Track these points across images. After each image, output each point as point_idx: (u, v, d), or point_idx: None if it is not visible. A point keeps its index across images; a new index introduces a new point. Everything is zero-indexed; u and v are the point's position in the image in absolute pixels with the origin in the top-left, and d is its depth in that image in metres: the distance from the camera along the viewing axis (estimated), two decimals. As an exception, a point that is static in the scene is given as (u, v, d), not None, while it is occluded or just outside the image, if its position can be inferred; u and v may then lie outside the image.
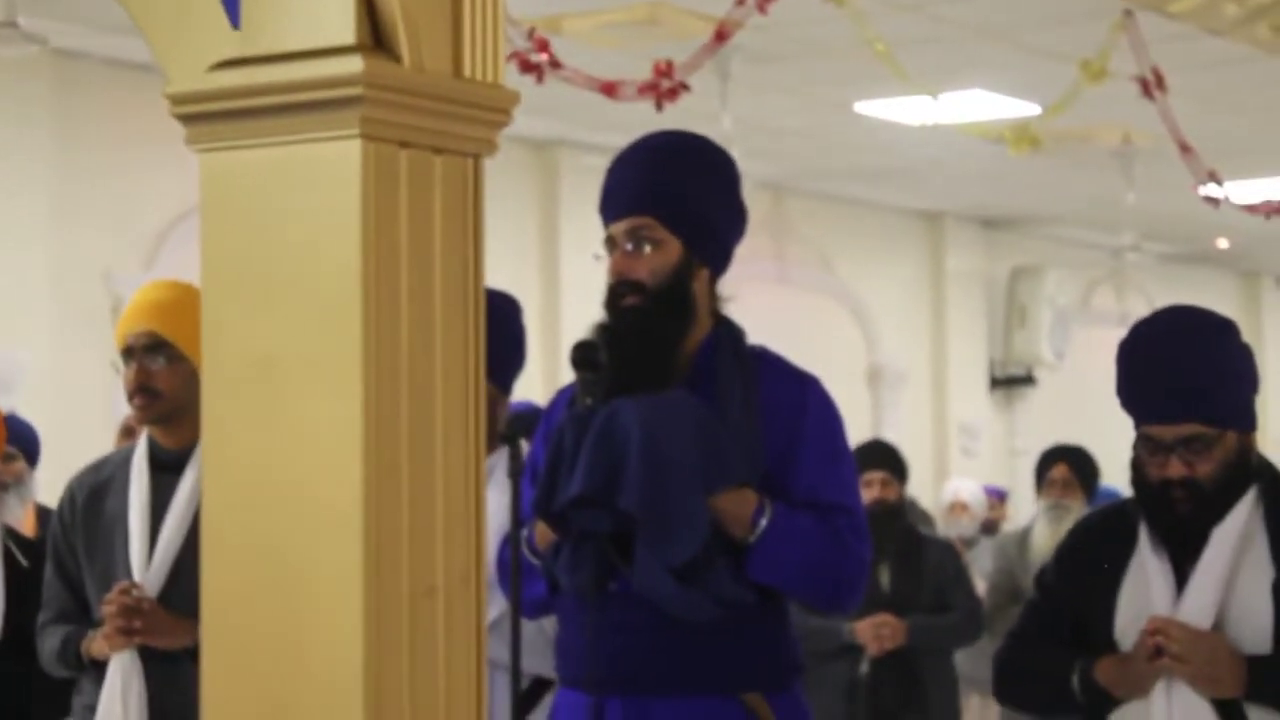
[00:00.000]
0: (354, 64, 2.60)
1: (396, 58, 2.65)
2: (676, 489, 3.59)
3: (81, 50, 9.15)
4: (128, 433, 6.93)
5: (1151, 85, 8.53)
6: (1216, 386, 3.66)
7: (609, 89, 7.20)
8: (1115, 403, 3.74)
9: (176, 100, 2.74)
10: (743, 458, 3.68)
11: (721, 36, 7.27)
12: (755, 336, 3.87)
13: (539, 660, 4.10)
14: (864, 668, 6.92)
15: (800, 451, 3.74)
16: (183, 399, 4.20)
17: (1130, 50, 8.37)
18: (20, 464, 6.66)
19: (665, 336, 3.75)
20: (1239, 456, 3.67)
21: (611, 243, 3.80)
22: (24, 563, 4.65)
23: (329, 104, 2.61)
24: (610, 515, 3.61)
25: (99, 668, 4.24)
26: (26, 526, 6.37)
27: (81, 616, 4.34)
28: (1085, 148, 11.87)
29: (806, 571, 3.71)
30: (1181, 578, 3.65)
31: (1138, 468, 3.70)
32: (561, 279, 11.72)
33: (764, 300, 11.89)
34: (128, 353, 4.29)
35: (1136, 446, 3.70)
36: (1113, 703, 3.68)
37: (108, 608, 4.17)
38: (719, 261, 3.85)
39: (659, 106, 7.10)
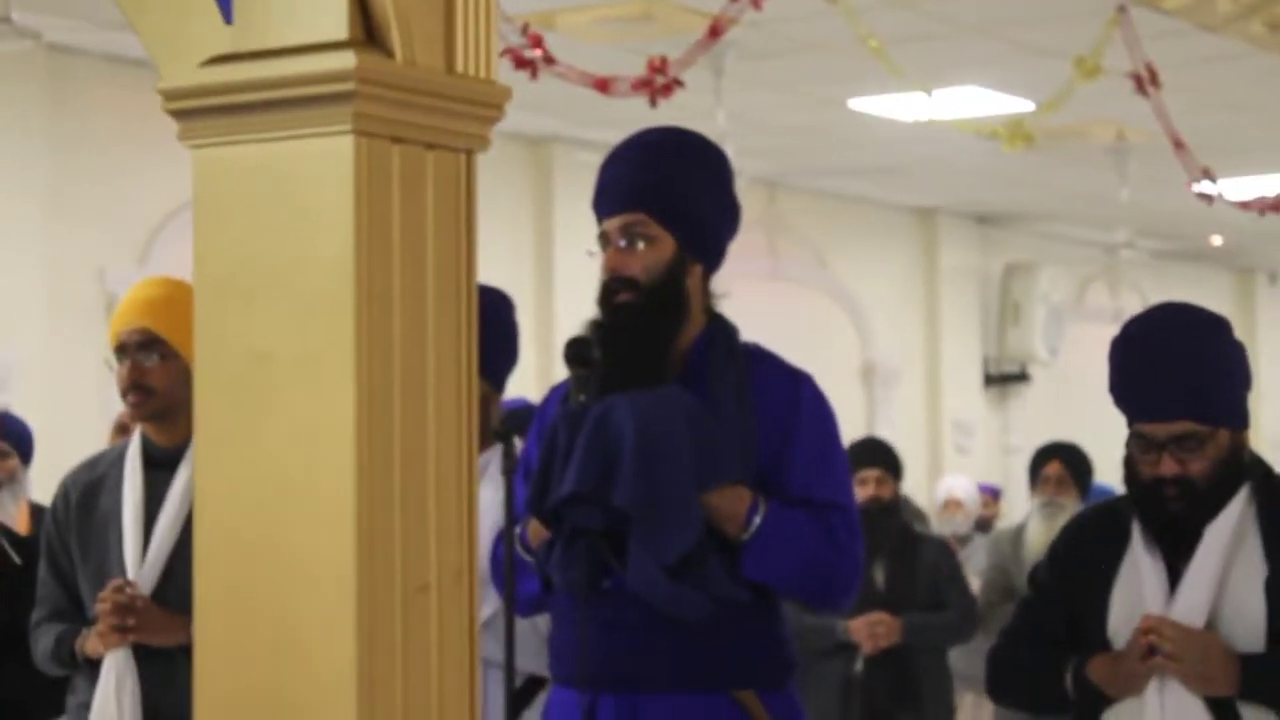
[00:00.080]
0: (346, 59, 2.60)
1: (389, 53, 2.64)
2: (670, 486, 3.59)
3: (75, 45, 9.14)
4: (122, 430, 6.91)
5: (1145, 82, 8.53)
6: (1209, 384, 3.66)
7: (603, 85, 7.20)
8: (1109, 400, 3.74)
9: (169, 96, 2.74)
10: (736, 455, 3.68)
11: (715, 33, 7.27)
12: (749, 333, 3.87)
13: (532, 658, 4.10)
14: (858, 666, 6.92)
15: (793, 449, 3.74)
16: (176, 396, 4.20)
17: (1124, 46, 8.37)
18: (14, 461, 6.66)
19: (659, 333, 3.75)
20: (1232, 454, 3.67)
21: (605, 239, 3.80)
22: (17, 561, 4.64)
23: (321, 99, 2.61)
24: (604, 512, 3.61)
25: (93, 666, 4.24)
26: (20, 524, 6.37)
27: (75, 615, 4.33)
28: (1079, 144, 11.87)
29: (800, 569, 3.71)
30: (1174, 576, 3.65)
31: (1130, 465, 3.71)
32: (555, 275, 11.72)
33: (758, 297, 11.90)
34: (121, 350, 4.29)
35: (1129, 444, 3.70)
36: (1106, 701, 3.68)
37: (101, 605, 4.17)
38: (712, 258, 3.85)
39: (653, 103, 7.10)
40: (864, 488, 6.99)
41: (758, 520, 3.67)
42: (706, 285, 3.85)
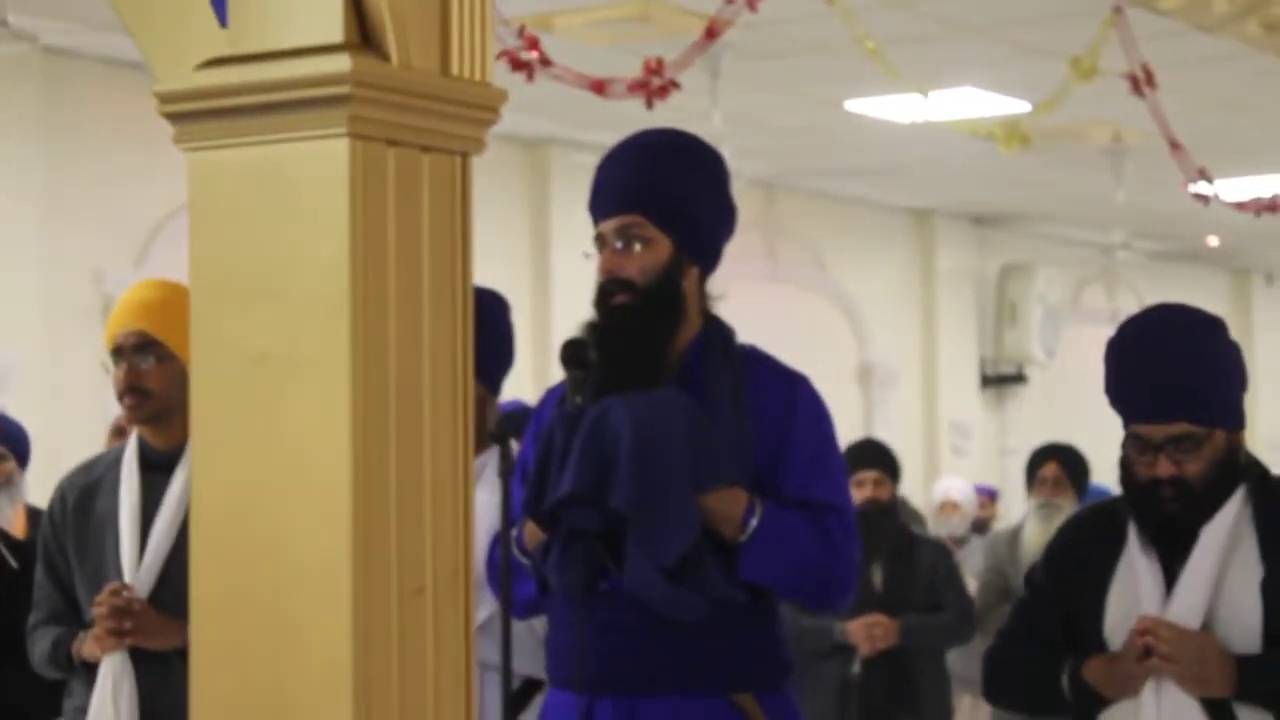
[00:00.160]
0: (342, 62, 2.60)
1: (384, 56, 2.65)
2: (667, 488, 3.59)
3: (71, 48, 9.14)
4: (118, 433, 6.92)
5: (1141, 82, 8.54)
6: (1205, 385, 3.66)
7: (599, 87, 7.20)
8: (1106, 401, 3.73)
9: (164, 99, 2.74)
10: (733, 457, 3.68)
11: (712, 34, 7.27)
12: (746, 335, 3.86)
13: (529, 661, 4.10)
14: (856, 667, 6.91)
15: (790, 450, 3.73)
16: (173, 398, 4.19)
17: (1120, 47, 8.37)
18: (10, 464, 6.65)
19: (655, 335, 3.75)
20: (1228, 455, 3.67)
21: (601, 241, 3.80)
22: (14, 564, 4.64)
23: (317, 102, 2.61)
24: (600, 514, 3.61)
25: (90, 669, 4.24)
26: (17, 528, 6.36)
27: (72, 618, 4.33)
28: (1075, 145, 11.88)
29: (797, 571, 3.71)
30: (1170, 577, 3.65)
31: (1126, 466, 3.70)
32: (551, 277, 11.72)
33: (755, 298, 11.90)
34: (117, 352, 4.29)
35: (1125, 445, 3.70)
36: (1102, 702, 3.67)
37: (98, 609, 4.17)
38: (709, 260, 3.85)
39: (649, 104, 7.10)
40: (861, 489, 6.99)
41: (754, 522, 3.67)
42: (703, 287, 3.85)
